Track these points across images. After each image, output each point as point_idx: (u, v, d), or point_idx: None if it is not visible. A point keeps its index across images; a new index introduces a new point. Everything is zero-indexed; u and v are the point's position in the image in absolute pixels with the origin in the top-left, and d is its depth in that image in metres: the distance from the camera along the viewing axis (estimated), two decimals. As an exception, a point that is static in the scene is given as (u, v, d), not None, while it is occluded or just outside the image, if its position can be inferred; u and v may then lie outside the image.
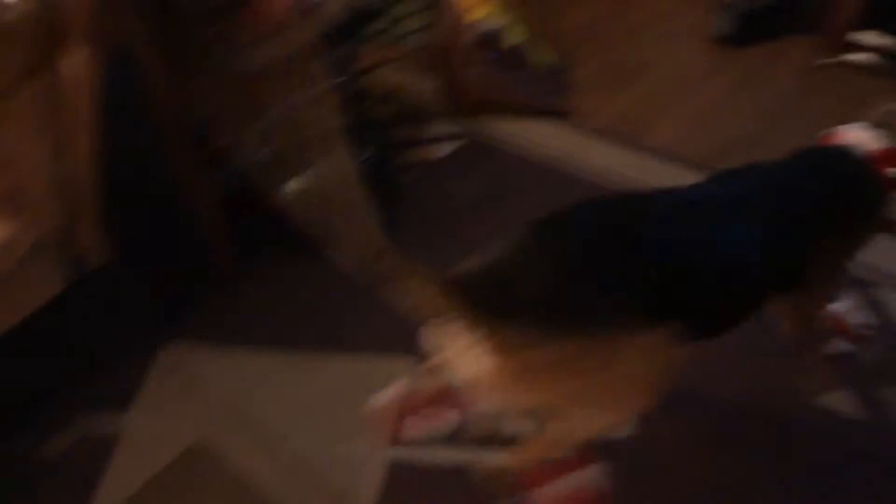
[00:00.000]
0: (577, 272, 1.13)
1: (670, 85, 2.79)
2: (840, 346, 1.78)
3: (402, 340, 1.86)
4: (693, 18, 3.18)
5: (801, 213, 1.35)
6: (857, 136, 1.48)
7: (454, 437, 1.63)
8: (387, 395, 1.53)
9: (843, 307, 1.83)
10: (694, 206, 1.28)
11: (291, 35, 2.13)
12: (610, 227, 1.20)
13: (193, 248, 2.09)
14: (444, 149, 2.56)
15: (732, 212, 1.29)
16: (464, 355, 1.14)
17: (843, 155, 1.45)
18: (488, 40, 2.65)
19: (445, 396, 1.53)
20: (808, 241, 1.36)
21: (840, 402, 1.69)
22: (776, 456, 1.60)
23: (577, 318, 1.10)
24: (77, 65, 1.56)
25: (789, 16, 3.01)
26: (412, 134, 2.63)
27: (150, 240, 2.06)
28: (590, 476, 1.43)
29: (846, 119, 2.54)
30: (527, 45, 2.74)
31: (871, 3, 2.74)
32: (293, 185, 2.16)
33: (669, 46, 3.04)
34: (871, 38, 2.80)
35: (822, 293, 1.53)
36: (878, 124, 1.48)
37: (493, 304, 1.09)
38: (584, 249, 1.15)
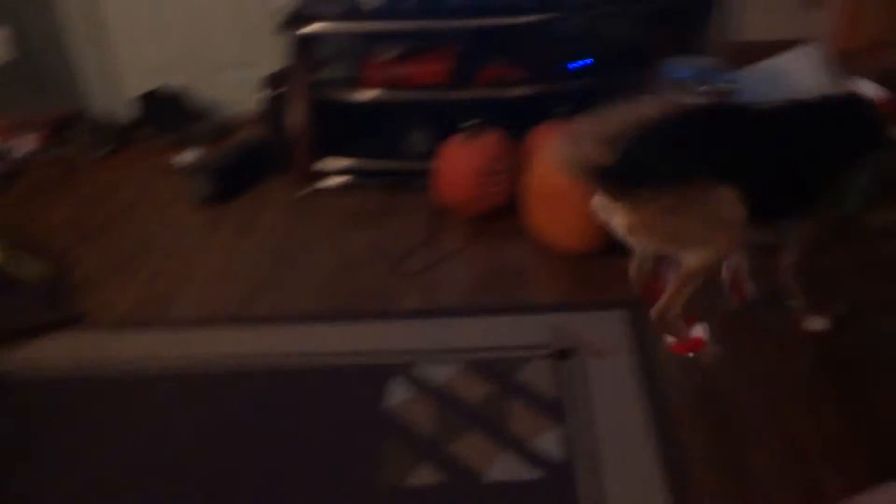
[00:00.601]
0: (674, 153, 1.79)
1: (177, 254, 2.81)
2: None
3: None
4: (171, 189, 3.30)
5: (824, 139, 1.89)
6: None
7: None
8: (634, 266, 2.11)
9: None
10: (750, 116, 1.89)
11: None
12: (698, 123, 1.87)
13: None
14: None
15: (780, 124, 1.88)
16: (611, 216, 1.85)
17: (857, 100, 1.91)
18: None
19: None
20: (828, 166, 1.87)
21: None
22: None
23: (674, 180, 1.76)
24: None
25: (259, 163, 3.31)
26: None
27: None
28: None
29: (341, 238, 2.83)
30: (9, 264, 2.50)
31: (321, 136, 3.15)
32: None
33: (162, 219, 3.08)
34: (331, 163, 3.22)
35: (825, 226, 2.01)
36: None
37: (622, 179, 1.76)
38: (679, 137, 1.81)
